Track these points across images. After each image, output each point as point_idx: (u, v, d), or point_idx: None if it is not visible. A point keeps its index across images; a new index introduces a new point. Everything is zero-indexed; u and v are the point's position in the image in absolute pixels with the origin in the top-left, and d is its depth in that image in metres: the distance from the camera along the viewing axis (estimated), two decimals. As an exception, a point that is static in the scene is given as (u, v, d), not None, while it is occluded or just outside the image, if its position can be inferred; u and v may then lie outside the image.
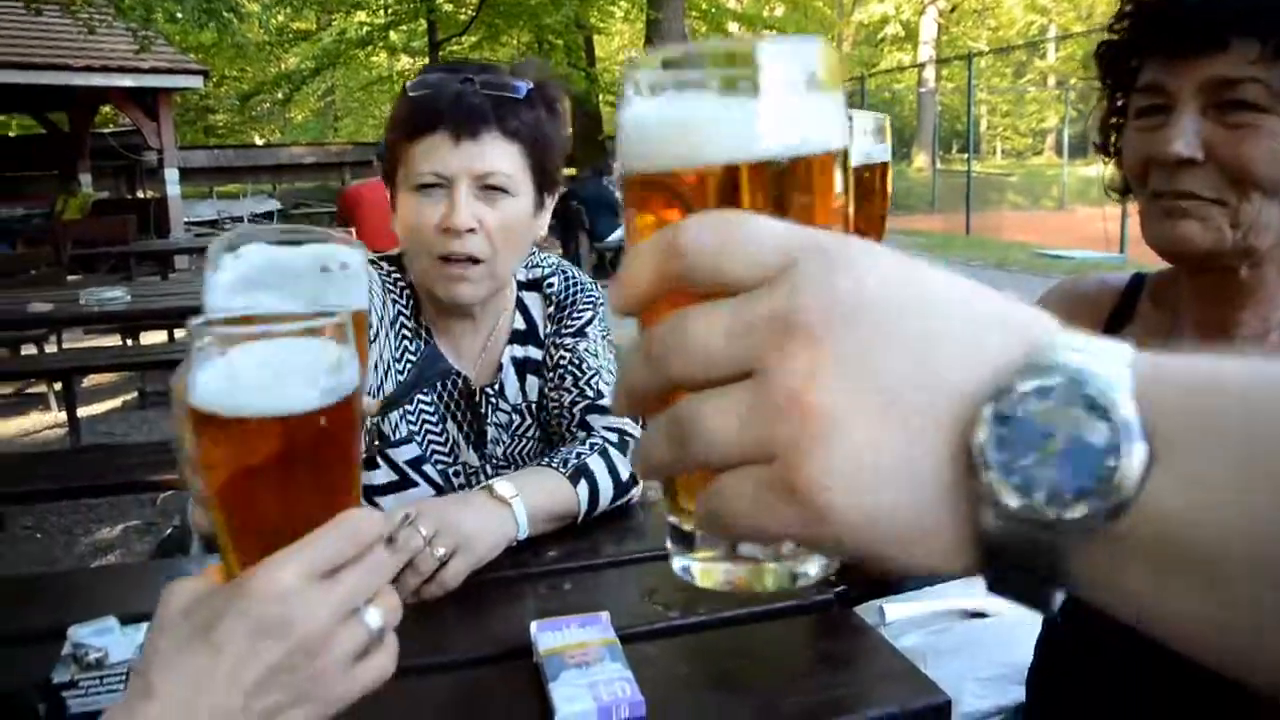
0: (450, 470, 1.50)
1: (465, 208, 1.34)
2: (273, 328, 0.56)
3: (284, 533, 0.56)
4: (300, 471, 0.57)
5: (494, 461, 1.54)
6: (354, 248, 0.80)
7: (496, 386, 1.54)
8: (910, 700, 0.99)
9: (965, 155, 17.87)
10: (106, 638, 1.08)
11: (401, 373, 1.44)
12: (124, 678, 1.03)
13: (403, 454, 1.45)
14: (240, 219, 16.65)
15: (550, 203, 1.50)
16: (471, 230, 1.35)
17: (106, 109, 15.52)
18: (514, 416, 1.56)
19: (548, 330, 1.58)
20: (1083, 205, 16.88)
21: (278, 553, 0.55)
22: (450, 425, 1.51)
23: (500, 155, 1.37)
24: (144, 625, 1.11)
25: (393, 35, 19.44)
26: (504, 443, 1.54)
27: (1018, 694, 1.34)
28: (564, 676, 0.97)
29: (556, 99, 1.47)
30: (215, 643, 0.54)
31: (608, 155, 14.83)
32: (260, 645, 0.54)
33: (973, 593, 1.87)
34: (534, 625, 1.06)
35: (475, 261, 1.36)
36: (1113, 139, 1.10)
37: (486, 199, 1.37)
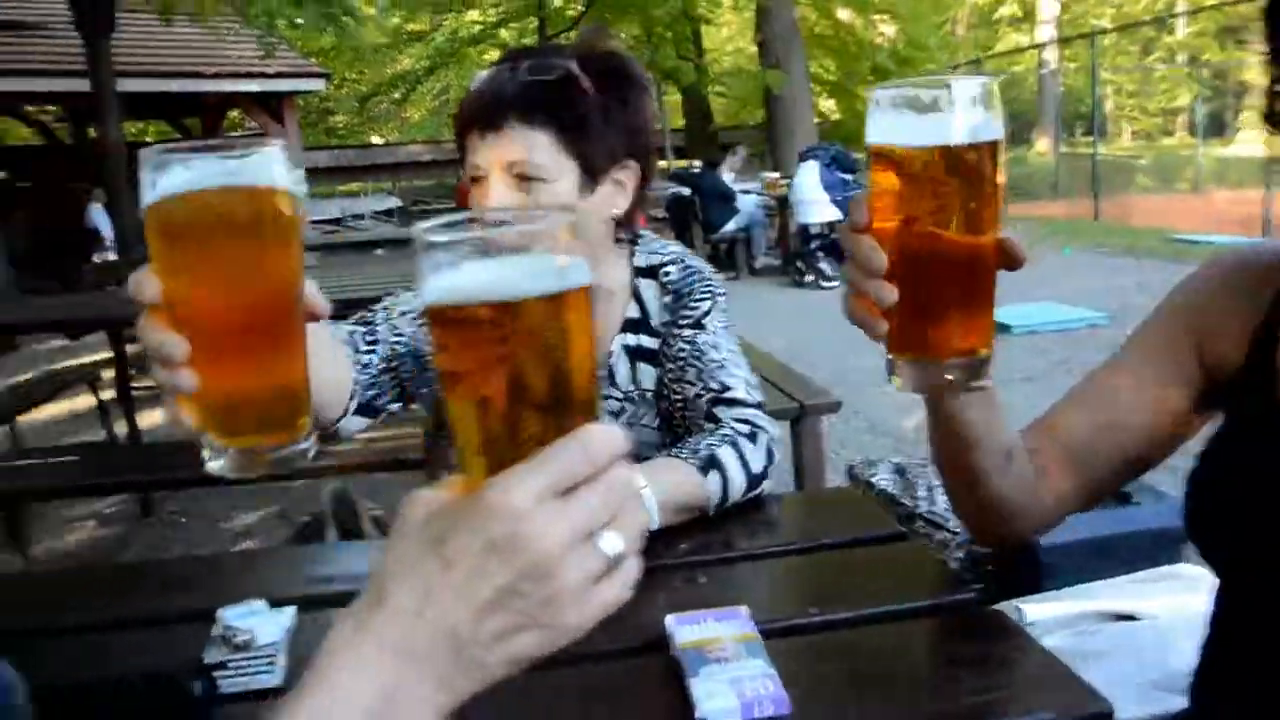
0: None
1: (493, 198, 1.35)
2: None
3: (523, 443, 0.54)
4: (538, 369, 0.55)
5: None
6: None
7: (605, 374, 1.53)
8: (1068, 707, 0.93)
9: (1090, 138, 17.17)
10: (253, 619, 1.11)
11: None
12: (271, 660, 1.06)
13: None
14: (362, 216, 17.16)
15: (614, 181, 1.45)
16: None
17: (234, 113, 16.17)
18: (625, 405, 1.55)
19: (664, 319, 1.56)
20: (1220, 188, 16.03)
21: (515, 467, 0.52)
22: None
23: (524, 144, 1.36)
24: (289, 609, 1.15)
25: (503, 33, 19.76)
26: None
27: (1175, 702, 1.26)
28: (704, 671, 0.95)
29: (611, 70, 1.44)
30: (447, 557, 0.52)
31: (719, 146, 14.74)
32: (491, 564, 0.52)
33: (1121, 594, 1.78)
34: (670, 619, 1.05)
35: None
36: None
37: (521, 188, 1.37)
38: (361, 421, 1.42)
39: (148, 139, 21.29)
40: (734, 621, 1.04)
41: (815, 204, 9.72)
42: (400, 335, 1.46)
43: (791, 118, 14.65)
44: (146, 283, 0.72)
